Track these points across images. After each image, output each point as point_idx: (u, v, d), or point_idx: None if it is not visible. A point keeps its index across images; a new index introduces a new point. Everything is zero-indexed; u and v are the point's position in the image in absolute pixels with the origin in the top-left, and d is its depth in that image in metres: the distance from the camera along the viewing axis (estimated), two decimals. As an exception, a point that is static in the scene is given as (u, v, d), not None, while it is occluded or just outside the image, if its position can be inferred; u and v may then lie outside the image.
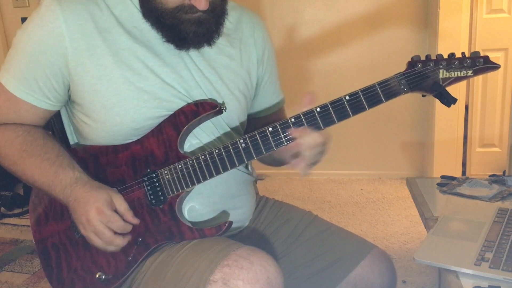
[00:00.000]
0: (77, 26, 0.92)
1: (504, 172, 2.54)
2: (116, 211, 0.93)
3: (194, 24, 0.93)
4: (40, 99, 0.96)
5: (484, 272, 0.88)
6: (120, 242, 0.93)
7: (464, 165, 3.05)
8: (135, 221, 0.95)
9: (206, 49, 1.00)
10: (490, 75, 2.89)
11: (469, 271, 0.89)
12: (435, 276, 1.94)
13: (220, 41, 1.03)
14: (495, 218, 1.09)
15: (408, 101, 3.08)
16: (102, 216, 0.91)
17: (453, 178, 1.41)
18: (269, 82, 1.15)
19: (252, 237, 1.11)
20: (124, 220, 0.94)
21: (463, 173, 3.04)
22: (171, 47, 0.97)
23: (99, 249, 0.95)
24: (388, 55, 2.99)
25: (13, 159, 0.97)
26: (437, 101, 2.87)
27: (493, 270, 0.88)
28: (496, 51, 2.82)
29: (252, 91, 1.11)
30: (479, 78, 2.91)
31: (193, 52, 0.99)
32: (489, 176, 1.43)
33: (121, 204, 0.94)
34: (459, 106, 2.85)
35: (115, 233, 0.93)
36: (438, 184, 1.38)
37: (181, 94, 0.97)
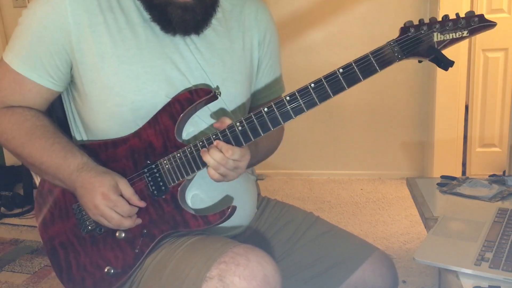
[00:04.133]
0: (80, 2, 0.94)
1: (504, 172, 2.54)
2: (122, 195, 0.94)
3: (180, 9, 0.93)
4: (44, 77, 0.97)
5: (484, 272, 0.88)
6: (129, 223, 0.94)
7: (464, 165, 3.05)
8: (142, 204, 0.95)
9: (207, 32, 1.01)
10: (490, 75, 2.89)
11: (469, 271, 0.89)
12: (435, 276, 1.94)
13: (223, 25, 1.04)
14: (495, 218, 1.09)
15: (408, 100, 3.08)
16: (107, 201, 0.92)
17: (453, 178, 1.41)
18: (268, 66, 1.14)
19: (254, 238, 1.11)
20: (131, 204, 0.94)
21: (463, 173, 3.03)
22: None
23: (110, 227, 0.96)
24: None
25: (20, 140, 0.97)
26: (437, 101, 2.87)
27: (493, 270, 0.88)
28: (496, 51, 2.83)
29: (254, 75, 1.11)
30: (479, 78, 2.91)
31: (194, 36, 1.00)
32: (489, 176, 1.43)
33: (127, 189, 0.94)
34: (459, 106, 2.85)
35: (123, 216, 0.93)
36: (438, 184, 1.38)
37: (180, 76, 0.98)
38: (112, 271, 0.98)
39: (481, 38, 2.82)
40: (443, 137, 2.89)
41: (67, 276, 1.02)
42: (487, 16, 0.88)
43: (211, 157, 0.91)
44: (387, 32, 2.93)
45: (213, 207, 1.02)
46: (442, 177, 1.44)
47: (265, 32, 1.12)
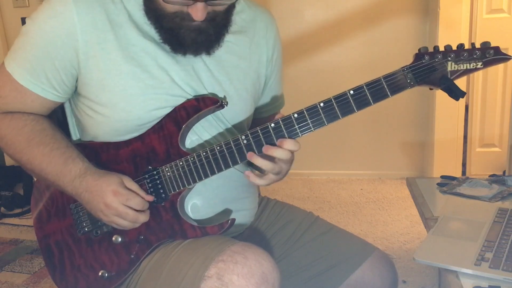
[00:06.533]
0: (90, 18, 0.92)
1: (504, 172, 2.54)
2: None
3: (193, 32, 0.92)
4: (48, 90, 0.95)
5: (484, 272, 0.88)
6: (144, 217, 0.94)
7: (464, 165, 3.05)
8: (149, 198, 0.94)
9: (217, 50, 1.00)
10: (490, 75, 2.89)
11: (469, 271, 0.89)
12: (435, 276, 1.94)
13: (231, 40, 1.03)
14: (495, 218, 1.09)
15: (408, 100, 3.07)
16: (119, 197, 0.91)
17: (453, 178, 1.41)
18: (274, 83, 1.15)
19: (253, 238, 1.11)
20: None
21: (463, 173, 3.03)
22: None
23: (126, 228, 0.95)
24: (387, 53, 2.98)
25: (20, 147, 0.96)
26: (437, 101, 2.89)
27: (493, 270, 0.88)
28: (496, 51, 2.81)
29: (260, 92, 1.11)
30: (479, 78, 2.91)
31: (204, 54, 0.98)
32: (489, 176, 1.43)
33: (132, 185, 0.94)
34: (459, 106, 2.85)
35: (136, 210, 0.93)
36: (438, 184, 1.38)
37: (187, 93, 0.97)
38: (106, 274, 0.97)
39: (481, 38, 2.81)
40: (443, 137, 2.89)
41: (60, 276, 1.02)
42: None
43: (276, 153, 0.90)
44: (388, 33, 2.96)
45: (212, 217, 1.02)
46: (442, 177, 1.44)
47: (273, 49, 1.11)
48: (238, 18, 1.05)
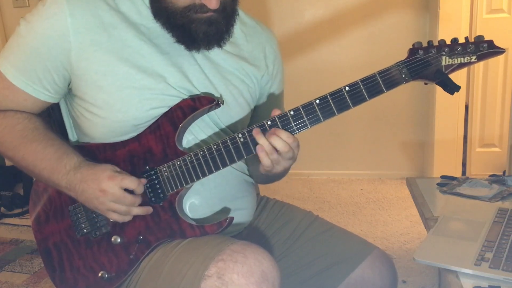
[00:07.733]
0: (83, 20, 0.92)
1: (504, 172, 2.54)
2: None
3: (205, 24, 0.92)
4: (39, 90, 0.96)
5: (484, 272, 0.88)
6: (138, 200, 0.94)
7: (464, 165, 3.05)
8: (144, 180, 0.95)
9: (214, 54, 1.01)
10: (490, 75, 2.89)
11: (469, 271, 0.89)
12: (435, 276, 1.94)
13: (230, 49, 1.04)
14: (495, 218, 1.09)
15: (408, 100, 3.07)
16: (115, 180, 0.91)
17: (453, 178, 1.41)
18: (272, 91, 1.15)
19: (253, 237, 1.11)
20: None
21: (463, 173, 3.03)
22: (180, 47, 0.97)
23: (120, 220, 0.95)
24: (387, 51, 2.98)
25: (13, 144, 0.97)
26: (437, 101, 2.88)
27: (493, 270, 0.88)
28: (496, 51, 2.81)
29: (255, 100, 1.11)
30: (479, 77, 2.91)
31: (200, 55, 0.99)
32: (489, 176, 1.43)
33: (125, 172, 0.95)
34: (459, 106, 2.85)
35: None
36: (438, 184, 1.38)
37: (183, 94, 0.97)
38: (106, 275, 0.97)
39: (481, 38, 2.81)
40: (443, 137, 2.89)
41: (60, 278, 1.02)
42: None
43: (270, 141, 0.90)
44: (387, 34, 2.96)
45: (211, 216, 1.02)
46: (442, 177, 1.44)
47: (273, 65, 1.12)
48: (239, 31, 1.07)
